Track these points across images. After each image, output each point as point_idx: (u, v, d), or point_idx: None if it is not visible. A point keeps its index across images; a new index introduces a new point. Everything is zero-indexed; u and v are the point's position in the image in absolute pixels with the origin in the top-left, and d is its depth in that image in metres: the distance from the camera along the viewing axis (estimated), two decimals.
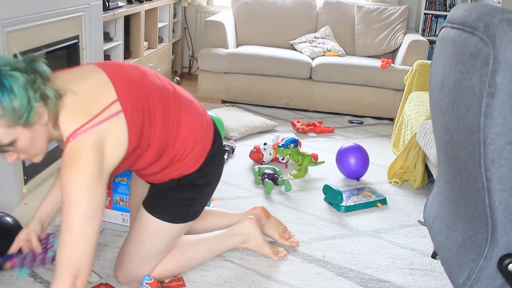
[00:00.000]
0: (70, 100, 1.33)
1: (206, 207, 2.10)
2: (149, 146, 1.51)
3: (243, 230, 1.98)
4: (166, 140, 1.54)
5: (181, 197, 1.67)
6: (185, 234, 1.92)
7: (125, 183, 2.14)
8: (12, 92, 1.19)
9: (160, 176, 1.64)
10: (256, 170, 2.81)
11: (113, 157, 1.37)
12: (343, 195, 2.55)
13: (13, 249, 1.65)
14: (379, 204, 2.58)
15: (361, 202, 2.54)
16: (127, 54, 3.77)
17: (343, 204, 2.49)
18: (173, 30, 5.06)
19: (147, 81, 1.52)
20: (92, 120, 1.32)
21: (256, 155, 2.99)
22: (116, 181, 2.16)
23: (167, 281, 1.81)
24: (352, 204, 2.51)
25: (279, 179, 2.69)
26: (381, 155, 3.31)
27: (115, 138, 1.37)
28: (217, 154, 1.71)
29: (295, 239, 2.16)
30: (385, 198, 2.62)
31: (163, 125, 1.52)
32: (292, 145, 2.96)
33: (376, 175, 2.98)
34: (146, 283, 1.68)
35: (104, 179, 1.34)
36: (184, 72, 5.43)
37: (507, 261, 1.00)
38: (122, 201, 2.18)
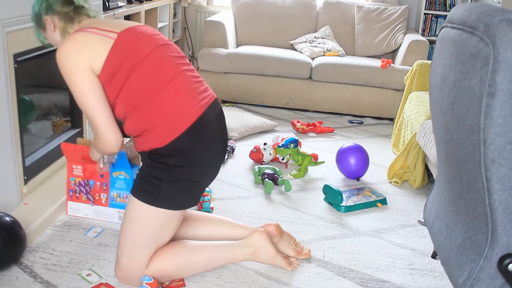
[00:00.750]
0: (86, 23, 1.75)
1: (212, 215, 2.07)
2: (124, 90, 1.66)
3: (251, 242, 1.91)
4: (137, 96, 1.66)
5: (150, 173, 1.70)
6: (188, 239, 1.91)
7: (122, 177, 2.13)
8: (33, 9, 1.79)
9: (138, 143, 1.74)
10: (256, 170, 2.81)
11: (91, 57, 1.64)
12: (343, 195, 2.55)
13: None
14: (379, 204, 2.58)
15: (361, 202, 2.54)
16: None
17: (343, 204, 2.49)
18: (173, 30, 5.06)
19: (159, 46, 1.71)
20: (90, 28, 1.68)
21: (256, 155, 2.99)
22: (113, 175, 2.15)
23: (167, 282, 1.81)
24: (352, 204, 2.51)
25: (279, 179, 2.69)
26: (381, 155, 3.31)
27: (95, 48, 1.64)
28: (191, 145, 1.67)
29: (306, 250, 2.08)
30: (385, 198, 2.62)
31: (142, 81, 1.65)
32: (292, 145, 2.96)
33: (376, 175, 2.98)
34: (146, 283, 1.68)
35: (85, 70, 1.63)
36: None
37: (507, 261, 1.00)
38: (119, 197, 2.16)
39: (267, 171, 2.75)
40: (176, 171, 1.68)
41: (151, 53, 1.67)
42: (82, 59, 1.61)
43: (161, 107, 1.65)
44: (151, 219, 1.71)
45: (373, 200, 2.58)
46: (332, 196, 2.52)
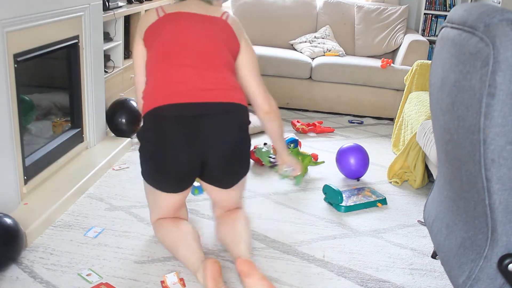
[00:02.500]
0: None
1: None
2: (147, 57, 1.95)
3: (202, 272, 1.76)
4: (147, 65, 1.94)
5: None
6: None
7: None
8: None
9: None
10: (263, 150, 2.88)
11: (141, 29, 1.97)
12: (343, 195, 2.55)
13: None
14: (379, 204, 2.58)
15: (361, 202, 2.54)
16: (127, 54, 3.77)
17: (343, 204, 2.49)
18: None
19: (182, 34, 1.90)
20: (159, 8, 1.97)
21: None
22: None
23: (168, 283, 1.81)
24: (352, 204, 2.51)
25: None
26: (381, 155, 3.31)
27: (146, 21, 1.96)
28: (154, 123, 1.83)
29: None
30: (385, 198, 2.62)
31: (152, 57, 1.92)
32: (292, 145, 2.96)
33: (376, 175, 2.98)
34: None
35: (138, 41, 1.99)
36: None
37: (507, 261, 1.00)
38: None
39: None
40: (142, 148, 1.89)
41: (164, 37, 1.90)
42: (138, 31, 1.97)
43: (154, 81, 1.87)
44: (146, 187, 2.00)
45: (373, 200, 2.58)
46: (332, 196, 2.51)
